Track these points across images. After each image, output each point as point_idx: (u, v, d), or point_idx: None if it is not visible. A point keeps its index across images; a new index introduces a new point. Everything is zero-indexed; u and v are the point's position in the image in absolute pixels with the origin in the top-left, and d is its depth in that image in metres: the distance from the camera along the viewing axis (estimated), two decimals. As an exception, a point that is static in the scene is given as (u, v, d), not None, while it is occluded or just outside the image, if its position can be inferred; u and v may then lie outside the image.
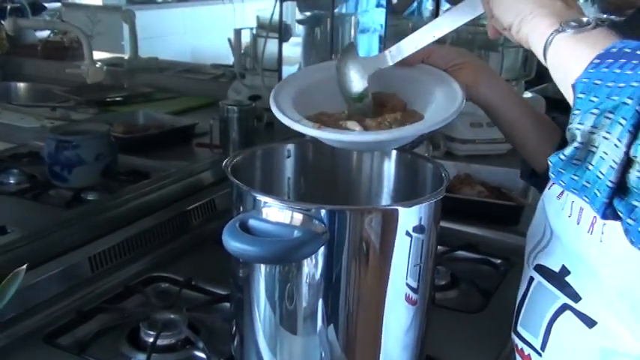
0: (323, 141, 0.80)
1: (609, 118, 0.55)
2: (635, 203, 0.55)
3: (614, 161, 0.55)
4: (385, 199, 0.96)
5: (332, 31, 1.71)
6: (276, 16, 1.83)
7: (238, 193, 0.80)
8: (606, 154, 0.56)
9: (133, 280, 1.15)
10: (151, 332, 0.97)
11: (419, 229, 0.78)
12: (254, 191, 0.78)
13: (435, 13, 2.20)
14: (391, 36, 1.94)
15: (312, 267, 0.76)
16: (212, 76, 2.39)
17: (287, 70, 1.91)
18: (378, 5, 2.08)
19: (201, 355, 0.96)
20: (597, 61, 0.58)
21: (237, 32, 2.00)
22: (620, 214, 0.57)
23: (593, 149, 0.57)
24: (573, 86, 0.59)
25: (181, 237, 1.31)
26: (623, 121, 0.54)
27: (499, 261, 1.28)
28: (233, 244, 0.70)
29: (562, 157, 0.59)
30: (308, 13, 2.17)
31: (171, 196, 1.38)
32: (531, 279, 0.83)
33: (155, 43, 2.82)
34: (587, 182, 0.58)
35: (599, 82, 0.57)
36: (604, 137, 0.56)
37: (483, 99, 0.87)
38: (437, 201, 0.80)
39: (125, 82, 2.28)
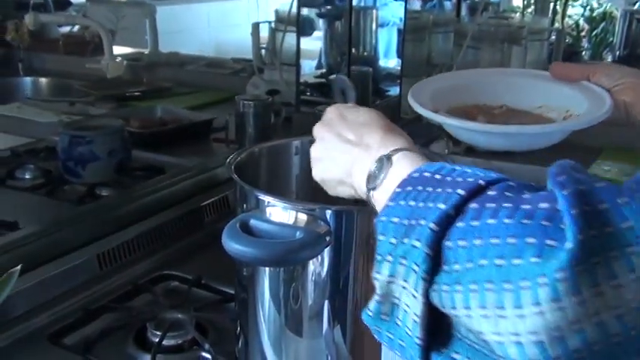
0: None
1: (403, 264, 0.51)
2: (455, 356, 0.50)
3: (415, 314, 0.50)
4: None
5: (350, 24, 1.68)
6: (294, 10, 1.81)
7: (241, 192, 0.78)
8: (408, 305, 0.51)
9: (142, 279, 1.13)
10: (158, 332, 0.96)
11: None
12: (256, 190, 0.76)
13: (457, 7, 2.17)
14: (410, 29, 1.91)
15: (318, 267, 0.74)
16: (232, 70, 2.38)
17: (306, 65, 1.88)
18: (397, -2, 2.05)
19: (208, 356, 0.94)
20: (398, 189, 0.55)
21: (256, 26, 1.98)
22: None
23: (396, 301, 0.52)
24: (375, 225, 0.55)
25: (193, 234, 1.30)
26: (416, 268, 0.49)
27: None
28: (232, 245, 0.68)
29: (369, 312, 0.55)
30: (328, 7, 2.14)
31: (185, 193, 1.37)
32: None
33: (179, 38, 2.82)
34: (401, 341, 0.53)
35: (396, 219, 0.53)
36: (402, 287, 0.51)
37: None
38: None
39: (145, 77, 2.27)
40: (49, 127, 1.69)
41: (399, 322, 0.53)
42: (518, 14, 2.94)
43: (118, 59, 1.96)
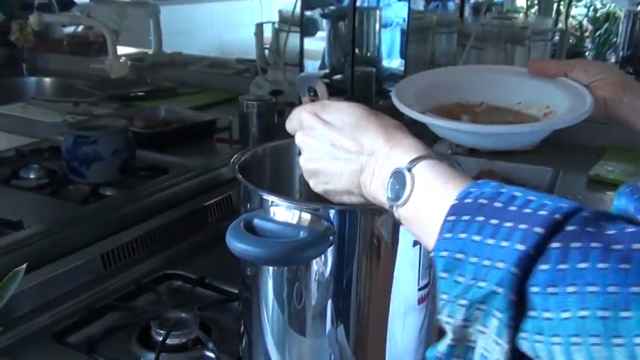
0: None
1: (482, 310, 0.47)
2: None
3: None
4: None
5: (353, 25, 1.68)
6: (297, 11, 1.81)
7: (245, 192, 0.78)
8: (488, 351, 0.48)
9: (146, 278, 1.14)
10: (162, 331, 0.96)
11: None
12: (260, 190, 0.76)
13: (461, 8, 2.17)
14: (414, 30, 1.91)
15: (322, 266, 0.74)
16: (236, 70, 2.38)
17: (309, 65, 1.89)
18: (401, -1, 2.05)
19: (211, 355, 0.94)
20: (452, 218, 0.51)
21: (259, 26, 1.99)
22: None
23: (472, 344, 0.49)
24: (433, 259, 0.51)
25: (197, 234, 1.30)
26: (498, 314, 0.46)
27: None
28: (236, 244, 0.68)
29: (439, 355, 0.51)
30: (332, 7, 2.14)
31: (188, 192, 1.37)
32: None
33: (183, 38, 2.83)
34: None
35: (461, 256, 0.49)
36: (480, 332, 0.48)
37: (625, 116, 0.81)
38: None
39: (149, 77, 2.28)
40: (54, 127, 1.70)
41: None
42: (521, 15, 2.94)
43: (122, 59, 1.97)
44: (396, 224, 0.73)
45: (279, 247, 0.68)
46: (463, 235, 0.49)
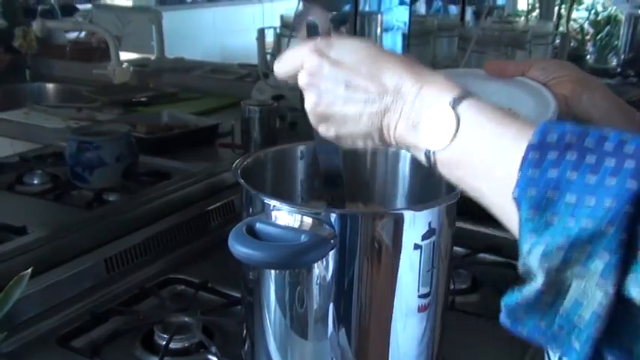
0: None
1: (584, 251, 0.44)
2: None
3: (599, 306, 0.44)
4: (400, 202, 0.94)
5: (355, 29, 1.69)
6: (299, 16, 1.82)
7: (247, 197, 0.79)
8: (586, 296, 0.44)
9: (149, 282, 1.14)
10: (165, 335, 0.97)
11: (432, 232, 0.76)
12: (262, 194, 0.76)
13: (462, 11, 2.18)
14: (415, 34, 1.92)
15: (323, 270, 0.75)
16: (238, 75, 2.39)
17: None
18: (402, 3, 2.05)
19: (214, 359, 0.94)
20: (535, 155, 0.47)
21: (261, 32, 2.00)
22: None
23: (565, 289, 0.46)
24: (516, 199, 0.47)
25: (200, 238, 1.30)
26: (606, 255, 0.43)
27: (522, 264, 1.25)
28: (239, 248, 0.69)
29: (521, 300, 0.48)
30: (334, 12, 2.15)
31: (191, 197, 1.37)
32: None
33: (185, 43, 2.84)
34: (559, 328, 0.46)
35: (554, 193, 0.45)
36: (579, 275, 0.45)
37: (585, 113, 0.79)
38: (451, 204, 0.77)
39: (151, 83, 2.28)
40: (57, 133, 1.71)
41: (563, 312, 0.46)
42: (522, 18, 2.95)
43: (125, 65, 1.98)
44: (397, 227, 0.74)
45: (281, 251, 0.68)
46: (554, 172, 0.45)
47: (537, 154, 0.46)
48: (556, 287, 0.46)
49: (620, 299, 0.43)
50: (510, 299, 0.49)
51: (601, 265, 0.43)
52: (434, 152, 0.56)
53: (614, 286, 0.43)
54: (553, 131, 0.47)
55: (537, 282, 0.46)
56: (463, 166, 0.55)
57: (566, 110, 0.79)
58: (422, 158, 0.58)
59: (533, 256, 0.46)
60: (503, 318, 0.50)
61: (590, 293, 0.44)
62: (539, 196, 0.46)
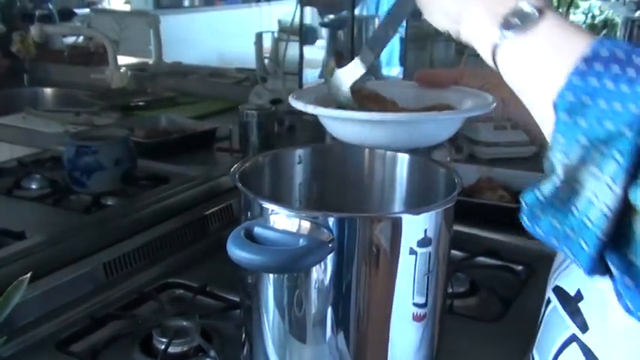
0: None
1: (601, 151, 0.45)
2: (633, 259, 0.46)
3: (607, 207, 0.45)
4: (398, 206, 0.94)
5: (352, 33, 1.70)
6: (296, 20, 1.82)
7: (245, 201, 0.79)
8: (596, 196, 0.46)
9: (148, 287, 1.14)
10: (163, 340, 0.97)
11: (429, 237, 0.76)
12: (260, 199, 0.76)
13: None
14: (412, 38, 1.93)
15: (321, 274, 0.75)
16: (236, 80, 2.39)
17: (309, 74, 1.90)
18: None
19: (213, 363, 0.95)
20: (583, 66, 0.48)
21: (259, 36, 2.00)
22: (613, 270, 0.47)
23: (579, 188, 0.47)
24: (554, 102, 0.49)
25: (198, 242, 1.31)
26: (619, 157, 0.44)
27: (520, 267, 1.25)
28: (237, 252, 0.69)
29: (539, 195, 0.50)
30: (331, 16, 2.16)
31: (189, 201, 1.38)
32: (549, 301, 0.78)
33: (182, 48, 2.84)
34: (570, 229, 0.48)
35: (587, 99, 0.47)
36: (593, 174, 0.46)
37: (521, 117, 0.79)
38: (448, 208, 0.78)
39: (149, 87, 2.29)
40: (55, 138, 1.71)
41: (574, 211, 0.48)
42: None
43: (123, 69, 1.99)
44: (395, 230, 0.74)
45: (279, 255, 0.69)
46: (595, 81, 0.47)
47: (585, 66, 0.48)
48: (571, 185, 0.48)
49: (627, 205, 0.45)
50: (530, 196, 0.51)
51: (614, 167, 0.45)
52: (504, 39, 0.55)
53: (622, 190, 0.44)
54: (605, 47, 0.48)
55: (557, 178, 0.48)
56: (524, 62, 0.55)
57: (505, 112, 0.79)
58: (486, 48, 0.57)
59: (556, 152, 0.48)
60: (522, 216, 0.53)
61: (600, 194, 0.46)
62: (575, 101, 0.47)
